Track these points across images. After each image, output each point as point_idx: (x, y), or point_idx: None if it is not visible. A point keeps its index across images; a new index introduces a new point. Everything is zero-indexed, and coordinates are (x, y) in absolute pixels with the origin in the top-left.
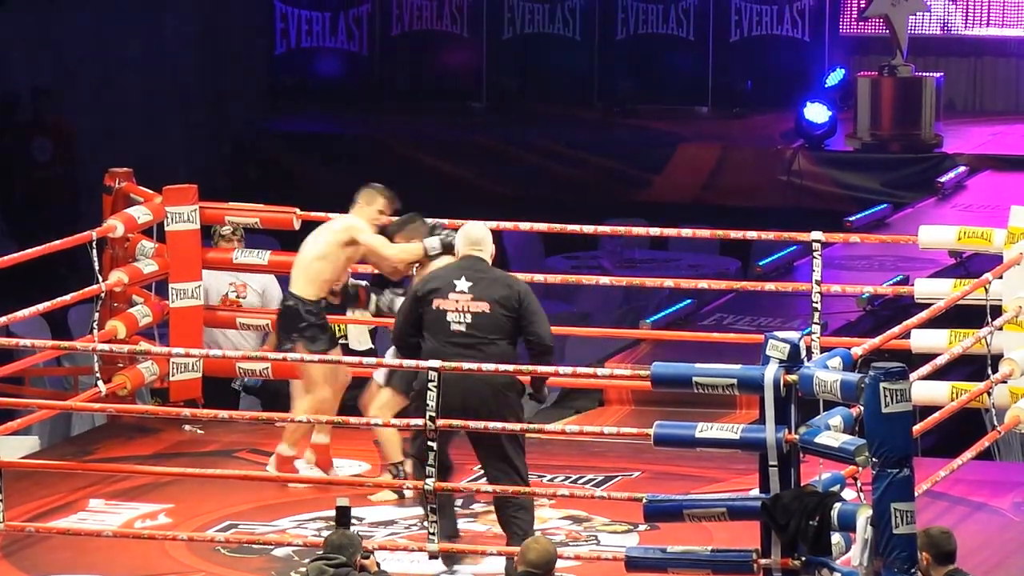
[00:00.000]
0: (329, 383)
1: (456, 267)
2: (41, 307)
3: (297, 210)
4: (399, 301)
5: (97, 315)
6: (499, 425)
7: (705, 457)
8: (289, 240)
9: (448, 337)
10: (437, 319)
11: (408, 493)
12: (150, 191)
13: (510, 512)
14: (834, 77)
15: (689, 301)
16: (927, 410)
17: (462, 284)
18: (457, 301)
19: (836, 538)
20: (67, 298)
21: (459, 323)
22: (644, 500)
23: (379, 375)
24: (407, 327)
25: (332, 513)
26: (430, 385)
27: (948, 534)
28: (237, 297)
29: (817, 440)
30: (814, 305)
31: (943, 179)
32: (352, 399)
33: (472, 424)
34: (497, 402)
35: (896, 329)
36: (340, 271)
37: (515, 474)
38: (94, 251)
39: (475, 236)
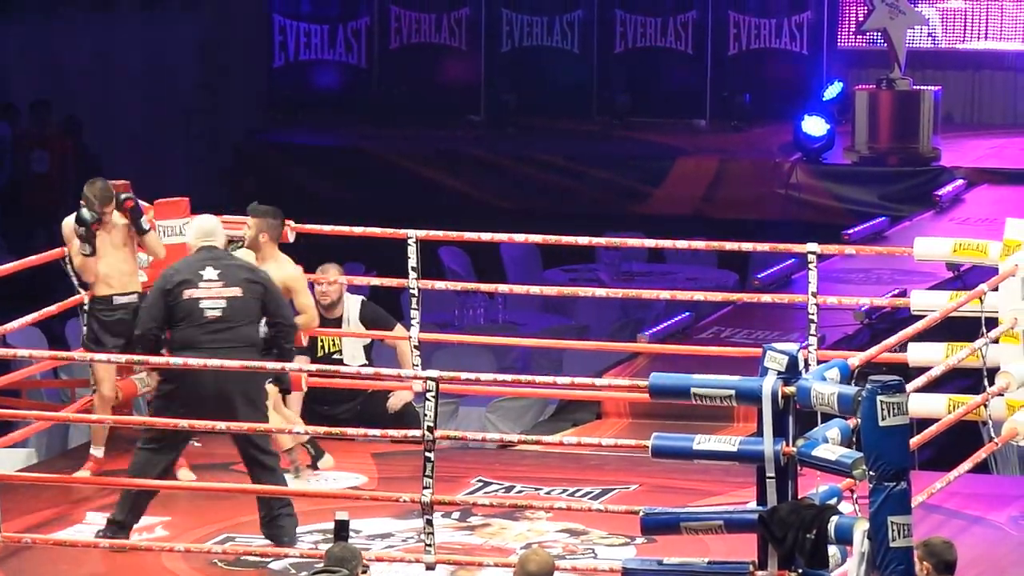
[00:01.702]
0: (111, 380)
1: (197, 259)
2: (29, 318)
3: (291, 222)
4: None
5: None
6: (496, 437)
7: (702, 469)
8: (286, 252)
9: (203, 324)
10: (191, 308)
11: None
12: (147, 204)
13: (258, 473)
14: (832, 90)
15: (687, 314)
16: (924, 423)
17: (209, 273)
18: (209, 289)
19: (833, 551)
20: (52, 309)
21: (214, 309)
22: (641, 513)
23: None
24: (154, 322)
25: (328, 526)
26: (428, 396)
27: (949, 544)
28: None
29: (814, 453)
30: (811, 318)
31: (940, 192)
32: (347, 412)
33: (470, 435)
34: (247, 383)
35: (893, 341)
36: (89, 264)
37: (261, 451)
38: None
39: (208, 228)
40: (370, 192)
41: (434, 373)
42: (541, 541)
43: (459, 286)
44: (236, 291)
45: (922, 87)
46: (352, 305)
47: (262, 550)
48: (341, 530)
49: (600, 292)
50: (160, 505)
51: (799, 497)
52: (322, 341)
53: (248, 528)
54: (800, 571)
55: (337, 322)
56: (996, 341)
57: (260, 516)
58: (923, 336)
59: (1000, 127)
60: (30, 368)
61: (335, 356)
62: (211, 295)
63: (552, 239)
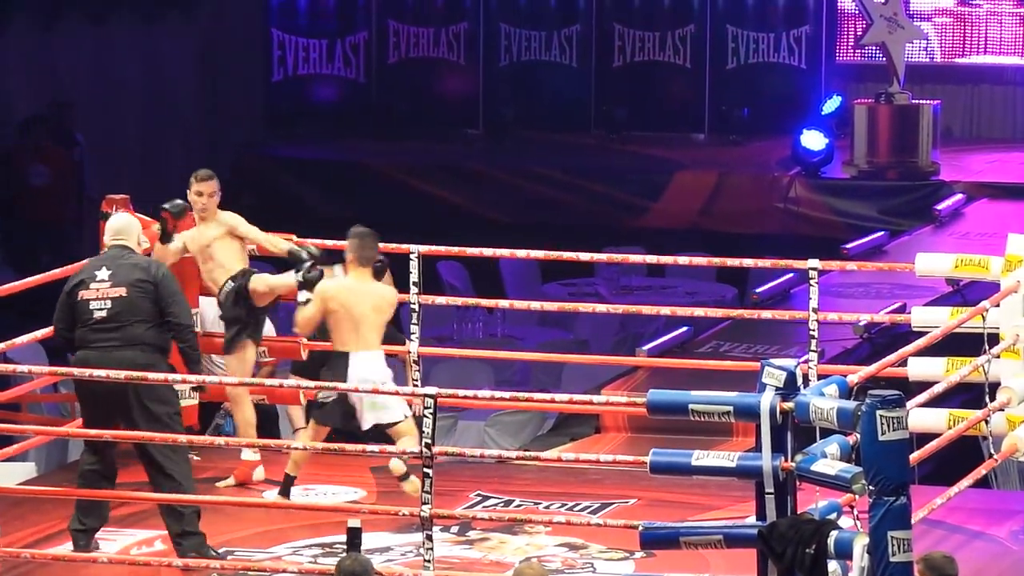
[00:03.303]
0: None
1: (100, 258)
2: (39, 334)
3: (293, 236)
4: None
5: None
6: (495, 452)
7: (701, 483)
8: (285, 266)
9: (92, 324)
10: (82, 309)
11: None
12: (148, 218)
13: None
14: (831, 104)
15: (686, 328)
16: (924, 438)
17: (103, 274)
18: (98, 290)
19: (833, 566)
20: None
21: (100, 310)
22: (640, 527)
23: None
24: (60, 324)
25: (328, 540)
26: (426, 412)
27: (950, 559)
28: None
29: (814, 468)
30: (811, 333)
31: (940, 207)
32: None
33: (468, 451)
34: (139, 384)
35: (893, 357)
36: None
37: (162, 455)
38: None
39: (118, 226)
40: (368, 206)
41: (432, 390)
42: (540, 555)
43: (460, 301)
44: (122, 291)
45: (921, 101)
46: None
47: (261, 564)
48: (354, 538)
49: (600, 308)
50: (158, 519)
51: (798, 512)
52: None
53: (247, 542)
54: None
55: None
56: (997, 357)
57: (168, 529)
58: (923, 351)
59: (999, 141)
60: (31, 383)
61: None
62: (99, 296)
63: (554, 255)
